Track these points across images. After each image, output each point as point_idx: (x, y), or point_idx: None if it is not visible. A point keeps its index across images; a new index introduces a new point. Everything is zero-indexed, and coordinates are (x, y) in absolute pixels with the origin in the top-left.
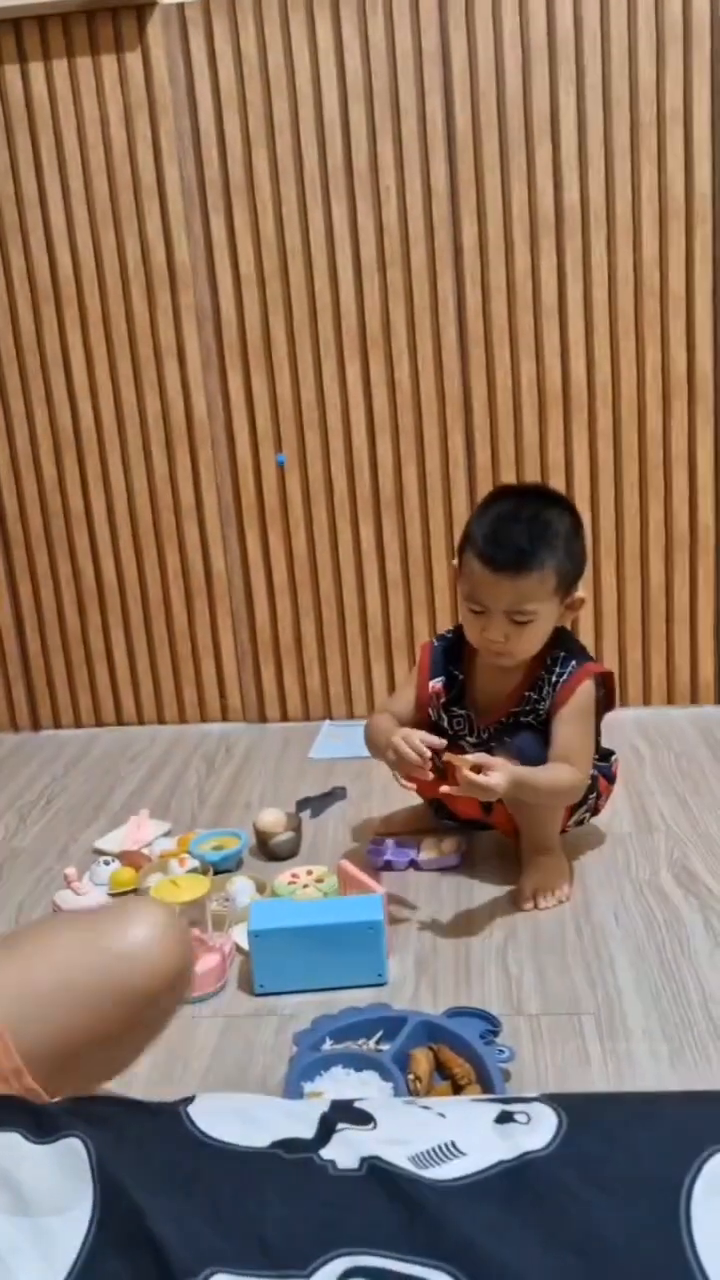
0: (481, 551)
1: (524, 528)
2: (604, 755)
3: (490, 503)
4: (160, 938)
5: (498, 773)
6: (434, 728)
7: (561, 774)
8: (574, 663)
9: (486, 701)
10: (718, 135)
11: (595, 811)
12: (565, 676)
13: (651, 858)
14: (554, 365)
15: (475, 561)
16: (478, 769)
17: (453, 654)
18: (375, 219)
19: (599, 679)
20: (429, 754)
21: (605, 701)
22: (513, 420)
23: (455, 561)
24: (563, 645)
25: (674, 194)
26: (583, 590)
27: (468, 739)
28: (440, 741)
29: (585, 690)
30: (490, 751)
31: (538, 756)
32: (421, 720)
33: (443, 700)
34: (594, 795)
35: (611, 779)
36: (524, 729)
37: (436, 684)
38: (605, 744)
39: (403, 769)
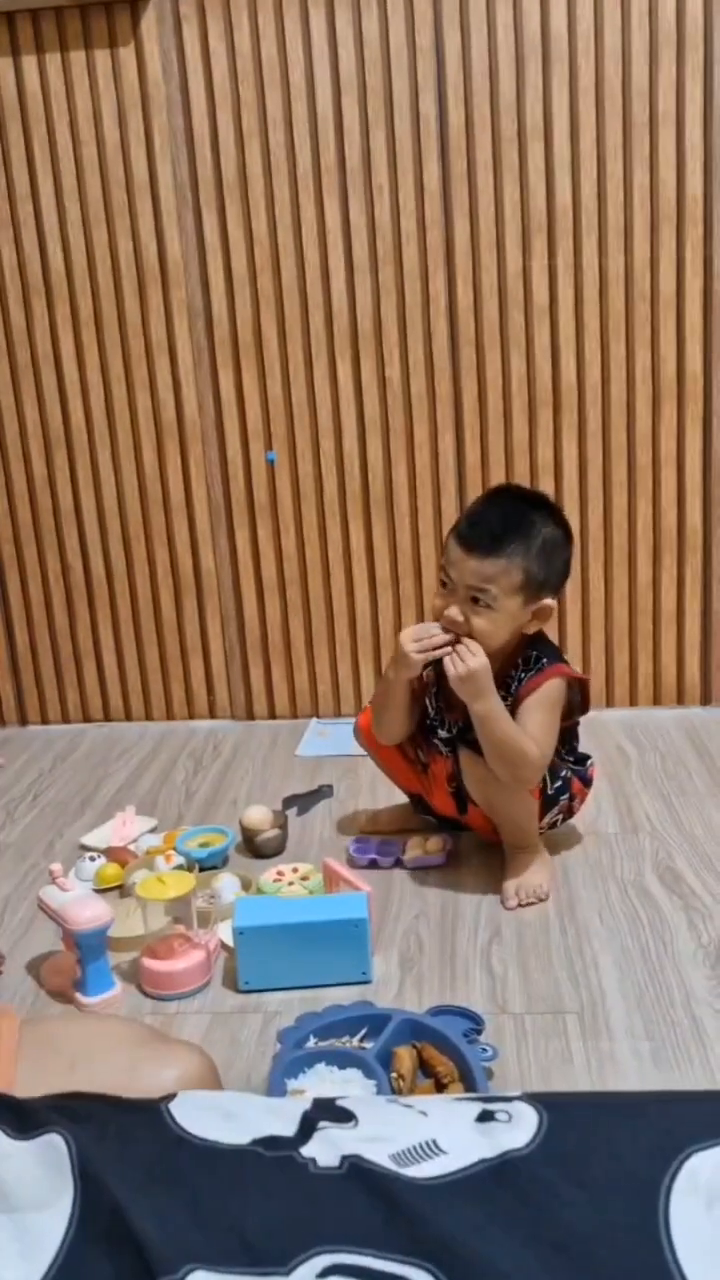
0: (459, 530)
1: (502, 514)
2: (580, 759)
3: (489, 496)
4: (192, 1085)
5: (476, 658)
6: (422, 725)
7: (522, 741)
8: (545, 661)
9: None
10: (710, 138)
11: (570, 814)
12: (533, 674)
13: (636, 858)
14: (544, 365)
15: (452, 539)
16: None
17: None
18: (367, 217)
19: (571, 681)
20: (438, 635)
21: (580, 705)
22: (503, 420)
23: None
24: (536, 648)
25: (665, 196)
26: (552, 601)
27: (439, 731)
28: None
29: (553, 685)
30: (455, 747)
31: None
32: (414, 705)
33: (433, 690)
34: (567, 797)
35: (587, 782)
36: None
37: (428, 672)
38: (586, 746)
39: (422, 646)
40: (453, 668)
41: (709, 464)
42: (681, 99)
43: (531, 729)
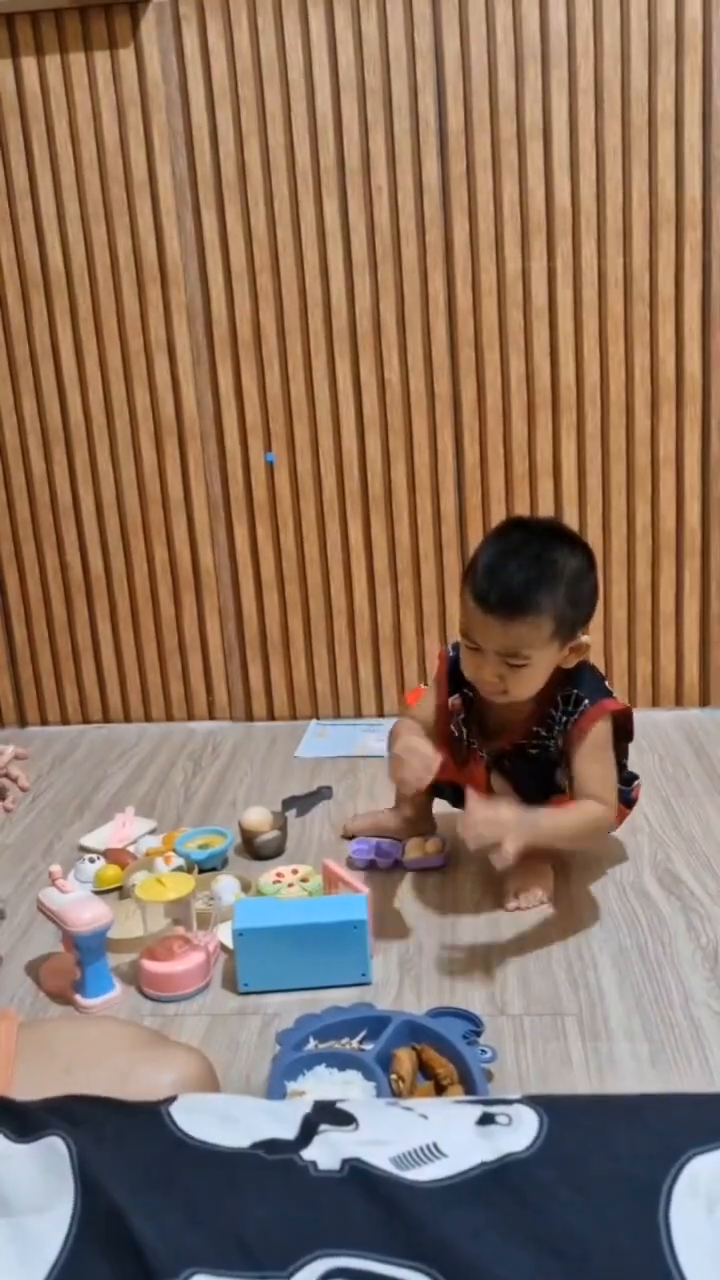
0: (476, 589)
1: (523, 566)
2: (627, 780)
3: (498, 534)
4: (190, 1088)
5: (509, 844)
6: (453, 740)
7: (588, 809)
8: (587, 702)
9: (495, 725)
10: (709, 140)
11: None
12: (577, 716)
13: (635, 859)
14: (543, 366)
15: (470, 597)
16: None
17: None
18: (367, 216)
19: (614, 715)
20: (425, 779)
21: (625, 735)
22: (501, 420)
23: (460, 588)
24: (576, 683)
25: (664, 198)
26: (588, 637)
27: (480, 753)
28: (432, 770)
29: (600, 729)
30: (489, 775)
31: (534, 794)
32: (443, 732)
33: (461, 716)
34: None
35: (630, 803)
36: (527, 762)
37: (455, 700)
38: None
39: (398, 779)
40: (498, 864)
41: (708, 465)
42: (680, 100)
43: (590, 778)
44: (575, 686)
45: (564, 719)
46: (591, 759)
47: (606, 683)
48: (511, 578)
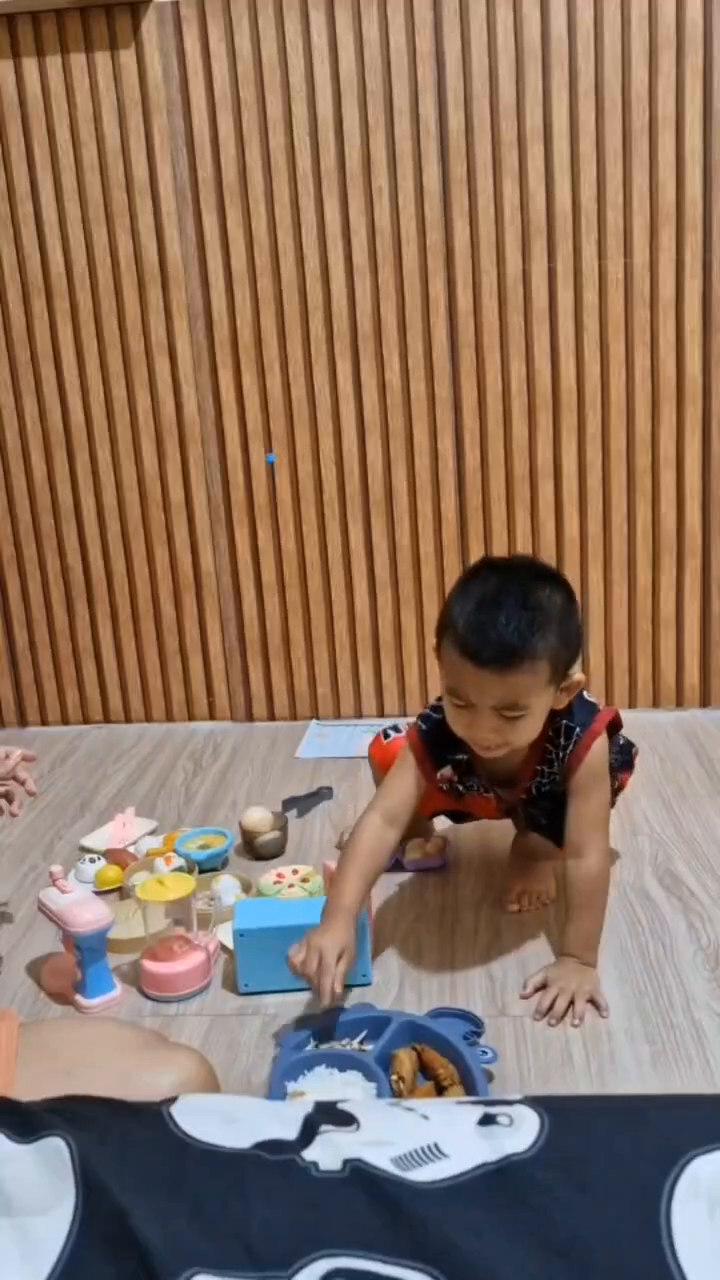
0: (464, 643)
1: (511, 614)
2: (624, 749)
3: (470, 579)
4: (190, 1090)
5: (579, 1001)
6: (452, 788)
7: (591, 880)
8: (579, 730)
9: (503, 776)
10: (709, 142)
11: (616, 794)
12: (573, 746)
13: (636, 861)
14: (544, 368)
15: (456, 652)
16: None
17: (447, 740)
18: (367, 219)
19: (608, 726)
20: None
21: (614, 730)
22: (502, 422)
23: (435, 643)
24: (565, 713)
25: (665, 200)
26: (580, 675)
27: (486, 796)
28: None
29: (596, 752)
30: (517, 817)
31: (562, 832)
32: (424, 808)
33: (456, 779)
34: (615, 784)
35: (631, 767)
36: (546, 799)
37: (446, 771)
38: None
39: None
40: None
41: (708, 467)
42: (681, 103)
43: (583, 824)
44: (564, 716)
45: (561, 753)
46: (587, 792)
47: (585, 692)
48: (502, 627)
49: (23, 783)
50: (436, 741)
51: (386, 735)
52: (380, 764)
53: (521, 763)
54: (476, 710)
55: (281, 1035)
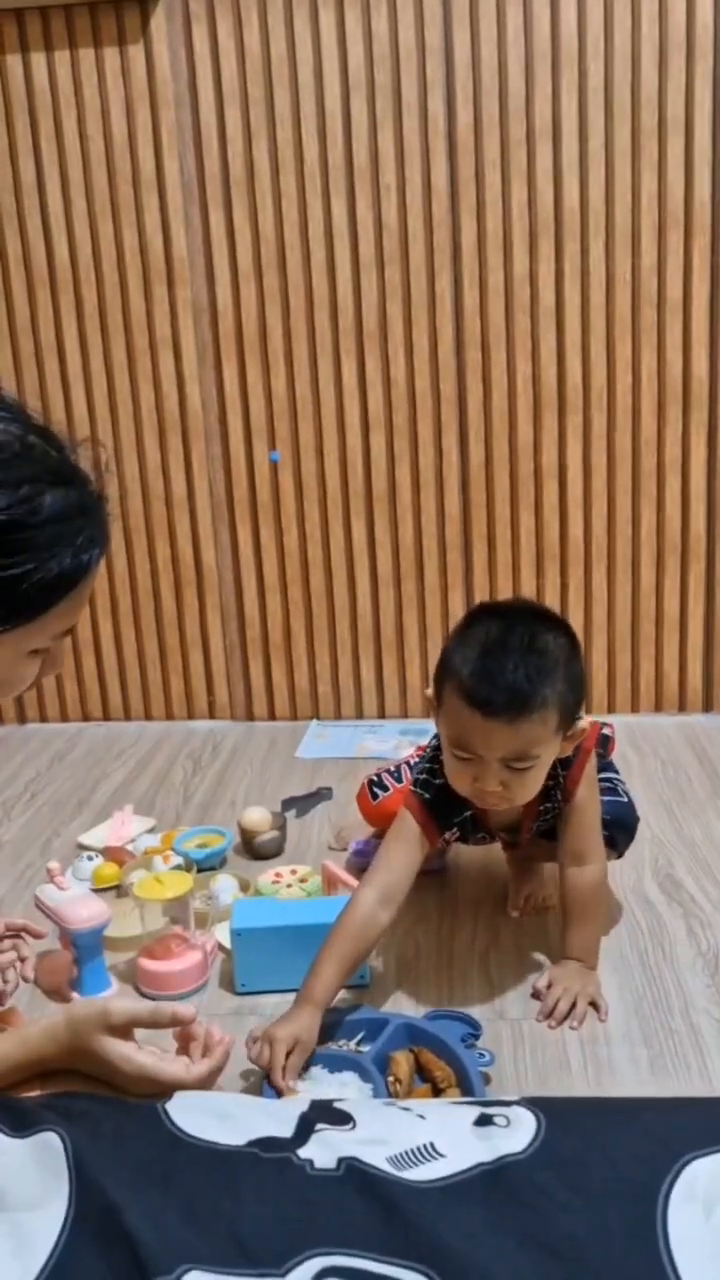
0: (470, 693)
1: (519, 661)
2: (602, 742)
3: (471, 626)
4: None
5: (581, 1003)
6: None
7: (594, 887)
8: (572, 757)
9: (509, 823)
10: (718, 144)
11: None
12: (569, 772)
13: (636, 864)
14: (550, 367)
15: (461, 703)
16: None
17: (450, 803)
18: (374, 215)
19: (597, 740)
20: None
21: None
22: (507, 422)
23: (430, 691)
24: None
25: (673, 201)
26: (585, 721)
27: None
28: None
29: (589, 770)
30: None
31: None
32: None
33: (462, 837)
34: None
35: (608, 740)
36: (549, 834)
37: (450, 835)
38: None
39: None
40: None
41: (713, 470)
42: (691, 104)
43: (581, 834)
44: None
45: (560, 779)
46: (584, 803)
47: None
48: (511, 675)
49: (22, 959)
50: (439, 808)
51: (374, 795)
52: (371, 819)
53: (524, 807)
54: (482, 764)
55: None
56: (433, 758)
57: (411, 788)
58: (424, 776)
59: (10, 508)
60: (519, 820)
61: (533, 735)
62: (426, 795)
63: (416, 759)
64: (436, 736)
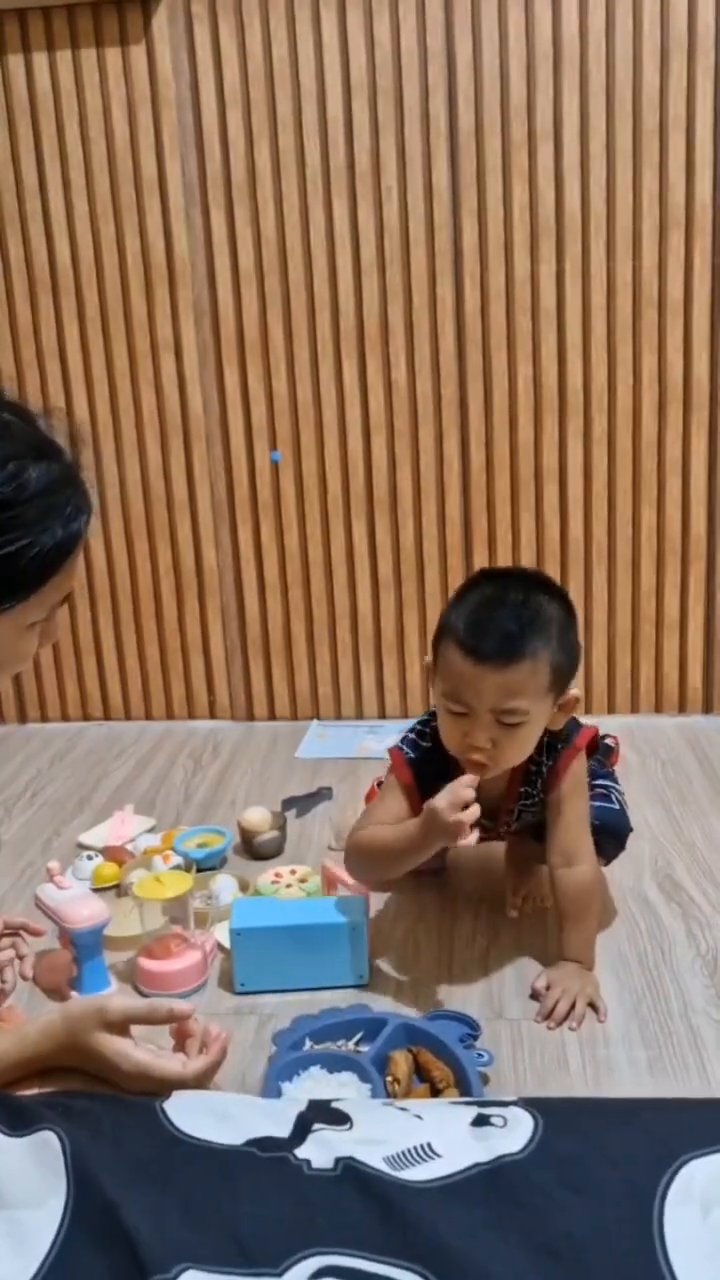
0: (462, 640)
1: (511, 612)
2: (603, 750)
3: (469, 588)
4: None
5: (580, 1004)
6: None
7: (588, 886)
8: (560, 745)
9: (486, 807)
10: None
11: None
12: (554, 762)
13: (636, 865)
14: (550, 369)
15: (455, 652)
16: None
17: (435, 764)
18: (376, 218)
19: (590, 742)
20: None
21: (593, 751)
22: (508, 423)
23: (429, 657)
24: (550, 732)
25: (675, 203)
26: (578, 690)
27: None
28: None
29: (577, 767)
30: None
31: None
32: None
33: None
34: (608, 767)
35: (612, 750)
36: (530, 823)
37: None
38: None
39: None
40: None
41: (714, 471)
42: (692, 105)
43: (571, 835)
44: (548, 736)
45: (543, 768)
46: (571, 801)
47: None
48: (503, 622)
49: (21, 957)
50: (424, 769)
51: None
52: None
53: (505, 786)
54: (474, 716)
55: (278, 1035)
56: (423, 724)
57: (400, 747)
58: (411, 737)
59: None
60: (498, 802)
61: (522, 684)
62: (412, 755)
63: None
64: (428, 713)
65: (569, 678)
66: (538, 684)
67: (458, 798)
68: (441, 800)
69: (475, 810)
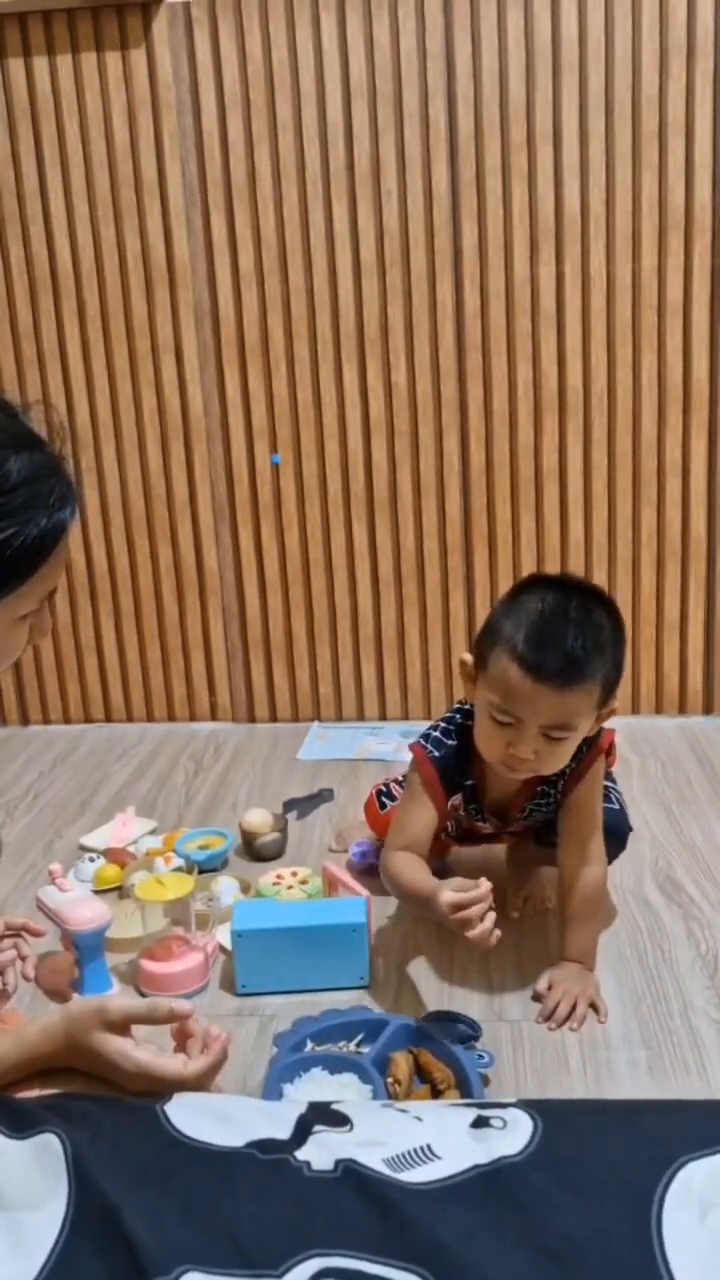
0: (524, 655)
1: (575, 630)
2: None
3: (523, 593)
4: None
5: (581, 1005)
6: (454, 814)
7: (599, 888)
8: (584, 748)
9: (499, 804)
10: (719, 147)
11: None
12: (577, 764)
13: (636, 866)
14: (550, 371)
15: (513, 666)
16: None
17: (461, 765)
18: (375, 221)
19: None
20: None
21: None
22: (508, 425)
23: (468, 657)
24: None
25: (674, 205)
26: (616, 702)
27: (481, 824)
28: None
29: (596, 770)
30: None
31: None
32: (439, 832)
33: (460, 810)
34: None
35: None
36: (539, 822)
37: (455, 799)
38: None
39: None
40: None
41: (714, 472)
42: (691, 107)
43: (586, 827)
44: None
45: (570, 765)
46: (591, 803)
47: None
48: (569, 643)
49: (23, 958)
50: (451, 768)
51: (382, 805)
52: (376, 827)
53: (522, 782)
54: (521, 729)
55: (279, 1037)
56: (448, 723)
57: (422, 743)
58: (436, 735)
59: None
60: (512, 799)
61: (577, 705)
62: (436, 753)
63: None
64: (455, 710)
65: (614, 690)
66: (590, 703)
67: (465, 907)
68: (447, 896)
69: (481, 908)
